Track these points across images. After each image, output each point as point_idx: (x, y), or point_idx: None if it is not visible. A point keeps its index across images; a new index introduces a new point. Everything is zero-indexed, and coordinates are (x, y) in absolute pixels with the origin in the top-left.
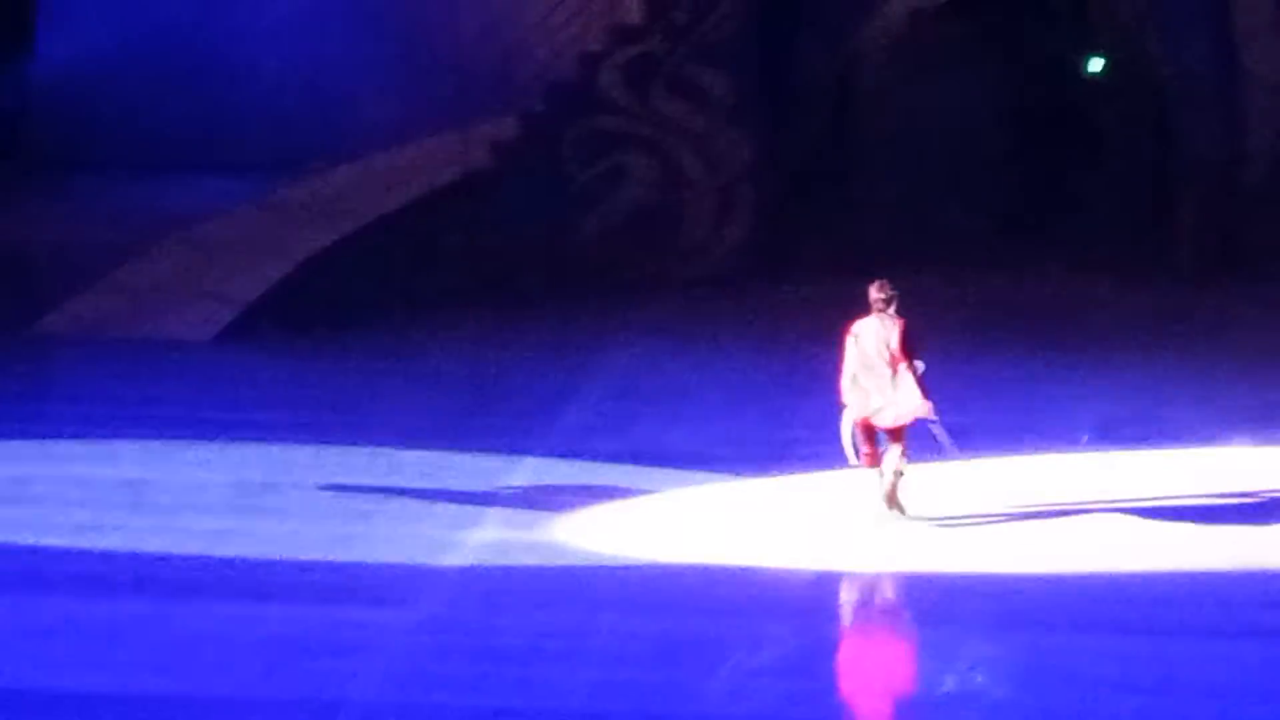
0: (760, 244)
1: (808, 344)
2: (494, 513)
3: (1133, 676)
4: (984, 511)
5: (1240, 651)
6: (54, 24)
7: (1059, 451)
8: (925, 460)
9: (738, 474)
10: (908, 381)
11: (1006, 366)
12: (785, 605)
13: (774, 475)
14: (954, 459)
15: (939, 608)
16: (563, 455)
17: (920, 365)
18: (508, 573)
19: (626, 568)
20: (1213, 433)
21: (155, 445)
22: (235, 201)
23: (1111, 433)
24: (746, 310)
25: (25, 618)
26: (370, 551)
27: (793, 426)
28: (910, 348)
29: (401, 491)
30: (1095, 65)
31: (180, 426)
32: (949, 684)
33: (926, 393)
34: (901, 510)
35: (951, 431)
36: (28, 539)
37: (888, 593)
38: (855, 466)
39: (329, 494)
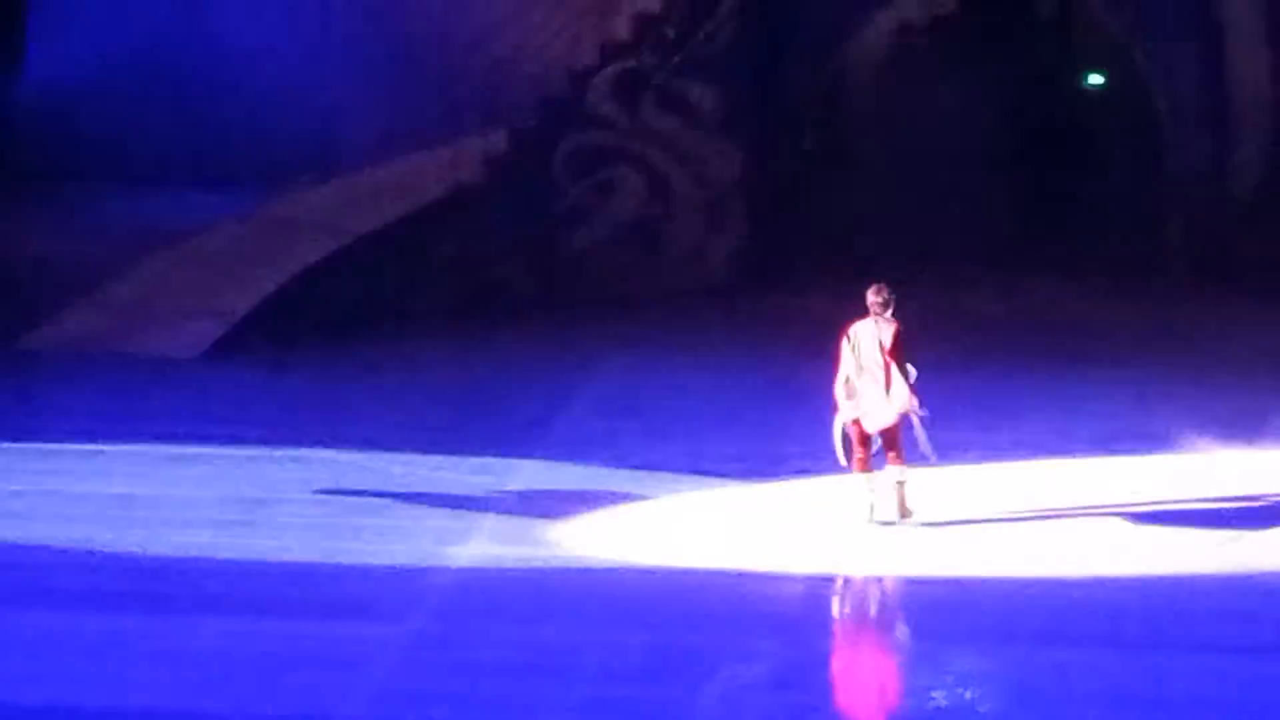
0: (749, 257)
1: (797, 356)
2: (484, 525)
3: (1126, 691)
4: (976, 517)
5: (1234, 666)
6: (42, 38)
7: (1052, 459)
8: (913, 465)
9: (729, 483)
10: (898, 382)
11: (996, 378)
12: (777, 615)
13: (766, 482)
14: (930, 460)
15: (931, 618)
16: (554, 466)
17: (912, 371)
18: (499, 585)
19: (618, 578)
20: (1205, 441)
21: (145, 460)
22: (224, 216)
23: (1104, 442)
24: (736, 323)
25: (14, 632)
26: (361, 565)
27: (783, 438)
28: (903, 350)
29: (392, 504)
30: (1095, 79)
31: (170, 441)
32: (940, 698)
33: (916, 394)
34: (911, 515)
35: (942, 444)
36: (17, 553)
37: (879, 602)
38: (845, 469)
39: (320, 508)
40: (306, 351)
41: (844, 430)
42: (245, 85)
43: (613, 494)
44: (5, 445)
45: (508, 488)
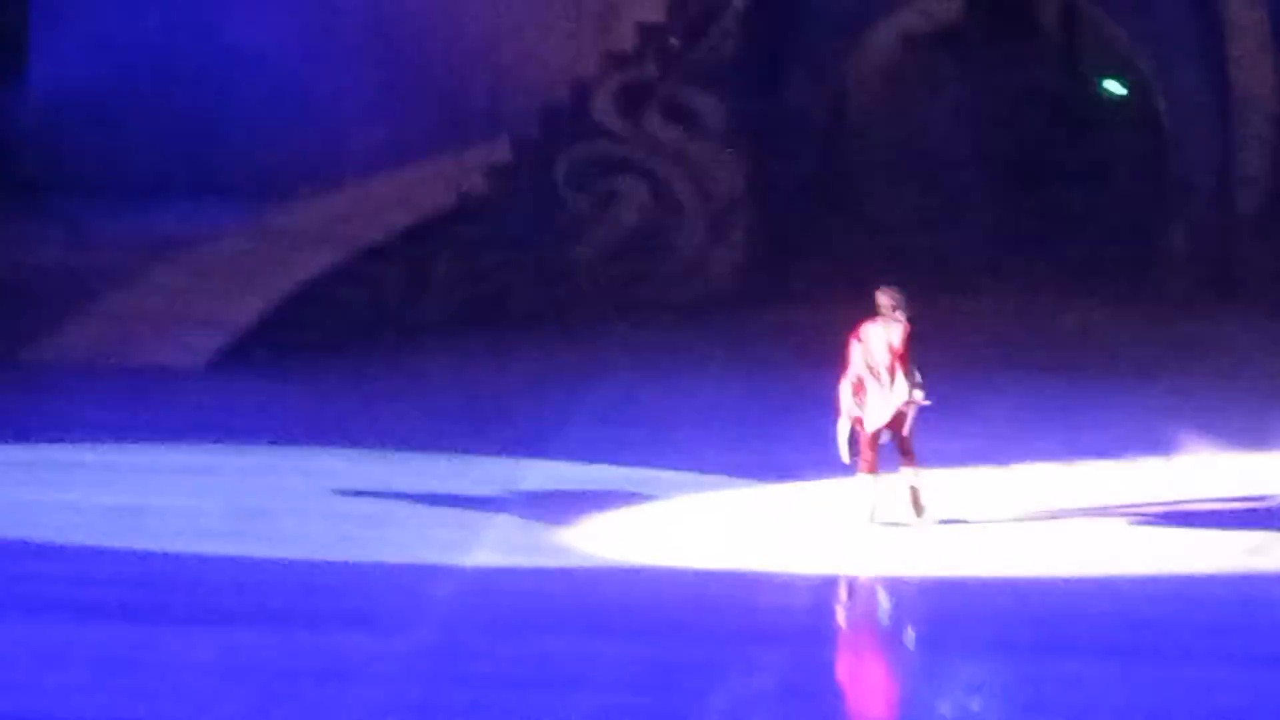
0: (753, 268)
1: (802, 366)
2: (490, 532)
3: (1133, 703)
4: (980, 522)
5: (1241, 678)
6: (45, 50)
7: (1056, 464)
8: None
9: (733, 486)
10: (900, 382)
11: (999, 387)
12: (781, 624)
13: (770, 485)
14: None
15: (935, 626)
16: (560, 472)
17: (918, 377)
18: (504, 593)
19: (624, 584)
20: (1209, 448)
21: (148, 471)
22: (227, 227)
23: (1108, 449)
24: (740, 333)
25: (18, 644)
26: (366, 576)
27: (787, 444)
28: (910, 351)
29: (396, 514)
30: (1113, 87)
31: (174, 453)
32: (944, 710)
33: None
34: (924, 513)
35: (946, 451)
36: (19, 564)
37: (883, 610)
38: (849, 468)
39: (323, 519)
40: (309, 362)
41: (853, 431)
42: (247, 96)
43: (618, 498)
44: (7, 456)
45: (513, 494)
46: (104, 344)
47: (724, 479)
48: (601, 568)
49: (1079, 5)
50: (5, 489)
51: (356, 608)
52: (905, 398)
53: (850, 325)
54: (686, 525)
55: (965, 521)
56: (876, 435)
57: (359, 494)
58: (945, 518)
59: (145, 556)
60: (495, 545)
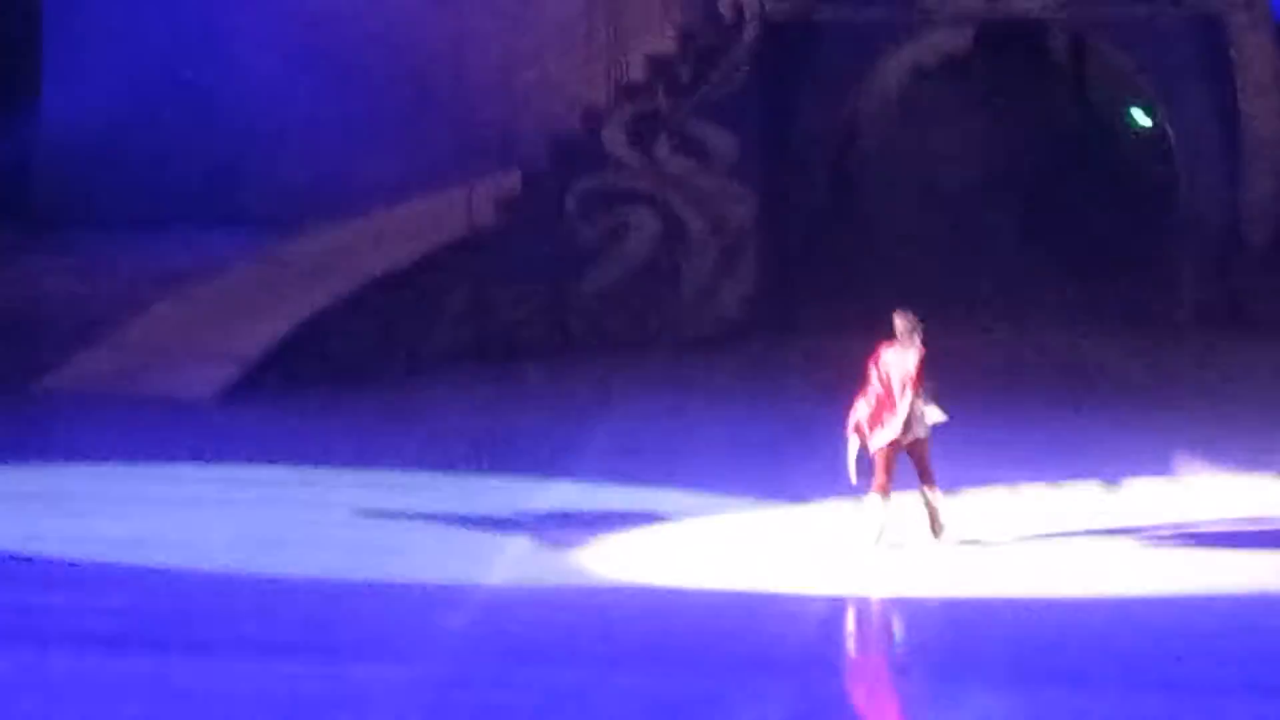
0: (763, 299)
1: (811, 397)
2: (497, 566)
3: None
4: (986, 546)
5: (1247, 708)
6: (58, 83)
7: (1063, 491)
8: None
9: (742, 510)
10: (917, 402)
11: (1009, 417)
12: (789, 653)
13: (779, 508)
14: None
15: (942, 650)
16: (570, 501)
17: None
18: (514, 624)
19: (634, 610)
20: (1215, 475)
21: (158, 501)
22: (237, 258)
23: (1115, 478)
24: (750, 364)
25: (26, 673)
26: (374, 606)
27: (797, 471)
28: (927, 373)
29: (406, 544)
30: (1139, 118)
31: (184, 483)
32: None
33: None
34: (943, 532)
35: (954, 477)
36: (28, 594)
37: (890, 633)
38: (858, 489)
39: (333, 549)
40: (319, 393)
41: (866, 452)
42: (258, 128)
43: (629, 520)
44: (17, 486)
45: (524, 519)
46: (114, 374)
47: (733, 501)
48: (612, 591)
49: (1088, 37)
50: (15, 518)
51: (366, 637)
52: (921, 418)
53: (860, 355)
54: (697, 547)
55: (974, 543)
56: (892, 458)
57: (370, 523)
58: (962, 539)
59: (154, 586)
60: (507, 570)
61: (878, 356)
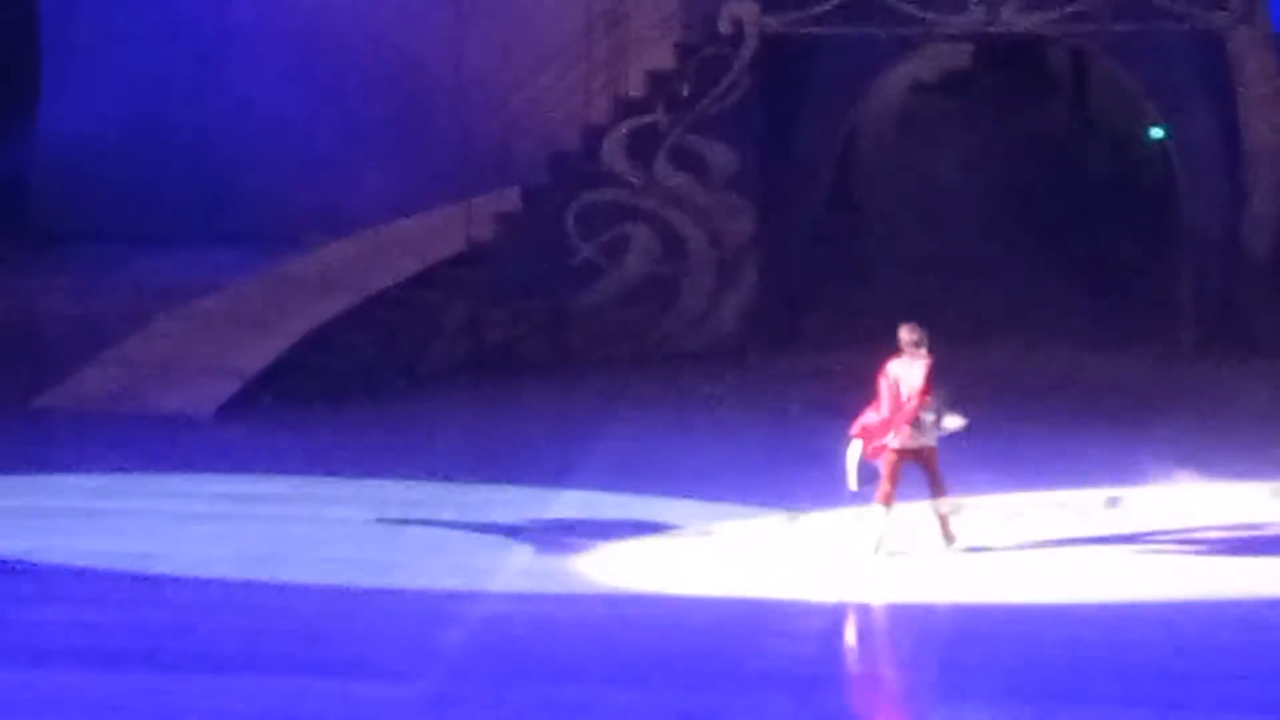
0: (763, 315)
1: (812, 413)
2: (496, 583)
3: None
4: (988, 556)
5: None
6: (58, 99)
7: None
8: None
9: (743, 520)
10: (924, 414)
11: (1008, 437)
12: (787, 668)
13: (780, 518)
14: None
15: (942, 672)
16: (569, 513)
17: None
18: (512, 640)
19: (634, 623)
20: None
21: (159, 518)
22: (237, 274)
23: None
24: (750, 380)
25: (23, 691)
26: (374, 623)
27: (796, 490)
28: (935, 384)
29: (406, 562)
30: (1156, 133)
31: (184, 500)
32: None
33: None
34: (954, 541)
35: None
36: (29, 611)
37: (890, 644)
38: (862, 496)
39: (334, 565)
40: (320, 410)
41: (870, 461)
42: (258, 144)
43: (629, 529)
44: (17, 502)
45: (520, 547)
46: (115, 391)
47: (734, 511)
48: (614, 602)
49: (1089, 52)
50: (14, 535)
51: (367, 651)
52: (928, 428)
53: (860, 369)
54: (698, 558)
55: (975, 552)
56: (898, 467)
57: (370, 536)
58: (964, 549)
59: (153, 603)
60: (508, 582)
61: (885, 369)
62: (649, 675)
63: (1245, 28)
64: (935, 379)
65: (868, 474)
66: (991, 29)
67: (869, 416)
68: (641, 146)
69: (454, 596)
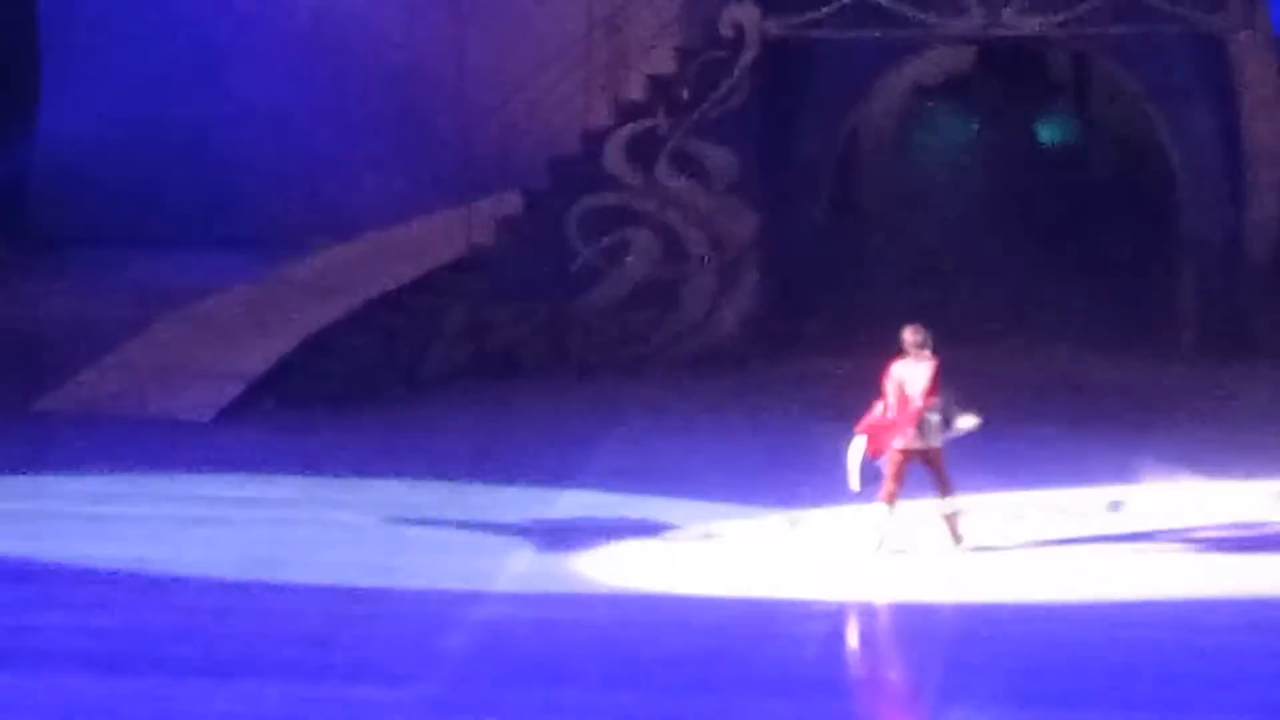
0: (764, 318)
1: (813, 416)
2: (498, 585)
3: None
4: (989, 557)
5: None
6: (57, 102)
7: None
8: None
9: (744, 520)
10: (929, 415)
11: (1008, 438)
12: (788, 671)
13: (781, 518)
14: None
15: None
16: (570, 514)
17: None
18: (513, 643)
19: (634, 626)
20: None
21: (159, 522)
22: (237, 278)
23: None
24: (751, 384)
25: (22, 695)
26: (375, 628)
27: (798, 491)
28: (940, 385)
29: (407, 566)
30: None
31: (185, 503)
32: None
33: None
34: (962, 541)
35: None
36: (29, 615)
37: (892, 645)
38: (865, 496)
39: (335, 569)
40: (320, 413)
41: (882, 462)
42: (258, 148)
43: (629, 530)
44: (17, 506)
45: (521, 551)
46: (115, 394)
47: (735, 511)
48: (615, 602)
49: (1090, 56)
50: (15, 538)
51: (368, 654)
52: (934, 429)
53: (861, 372)
54: (699, 558)
55: (978, 552)
56: (904, 467)
57: (371, 541)
58: (967, 548)
59: (154, 606)
60: (509, 583)
61: (889, 371)
62: (651, 677)
63: (1246, 31)
64: (941, 380)
65: (870, 474)
66: (992, 32)
67: (874, 414)
68: (642, 150)
69: (455, 598)
